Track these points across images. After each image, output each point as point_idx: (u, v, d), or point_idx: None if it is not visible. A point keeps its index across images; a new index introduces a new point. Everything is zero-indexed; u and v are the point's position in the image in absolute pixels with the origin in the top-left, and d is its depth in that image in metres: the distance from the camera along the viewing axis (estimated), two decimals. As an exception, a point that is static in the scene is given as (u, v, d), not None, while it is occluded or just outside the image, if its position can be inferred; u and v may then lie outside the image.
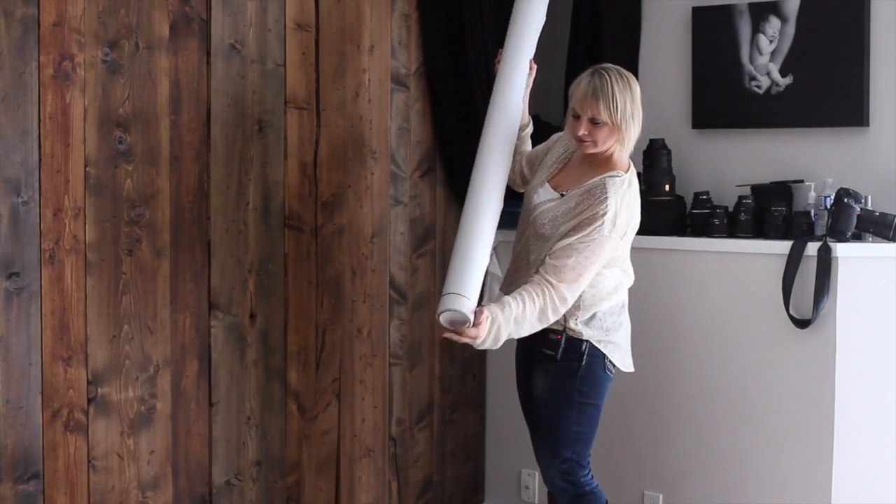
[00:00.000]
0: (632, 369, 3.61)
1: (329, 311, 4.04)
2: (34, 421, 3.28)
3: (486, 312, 3.26)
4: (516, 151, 3.70)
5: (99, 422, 3.44)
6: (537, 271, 3.39)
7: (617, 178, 3.41)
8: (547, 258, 3.38)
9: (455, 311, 3.24)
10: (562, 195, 3.49)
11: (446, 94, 4.37)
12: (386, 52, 4.18)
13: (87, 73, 3.35)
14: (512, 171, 3.68)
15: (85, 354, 3.39)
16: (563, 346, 3.47)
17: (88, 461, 3.42)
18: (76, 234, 3.35)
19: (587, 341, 3.48)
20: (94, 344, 3.41)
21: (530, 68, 3.69)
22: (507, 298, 3.33)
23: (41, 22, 3.24)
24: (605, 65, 3.47)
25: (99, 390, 3.43)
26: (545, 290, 3.33)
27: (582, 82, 3.43)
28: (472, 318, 3.23)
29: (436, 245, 4.41)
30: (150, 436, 3.56)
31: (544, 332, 3.45)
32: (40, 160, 3.27)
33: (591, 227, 3.36)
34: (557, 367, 3.50)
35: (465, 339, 3.27)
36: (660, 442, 4.23)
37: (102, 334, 3.43)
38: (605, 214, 3.36)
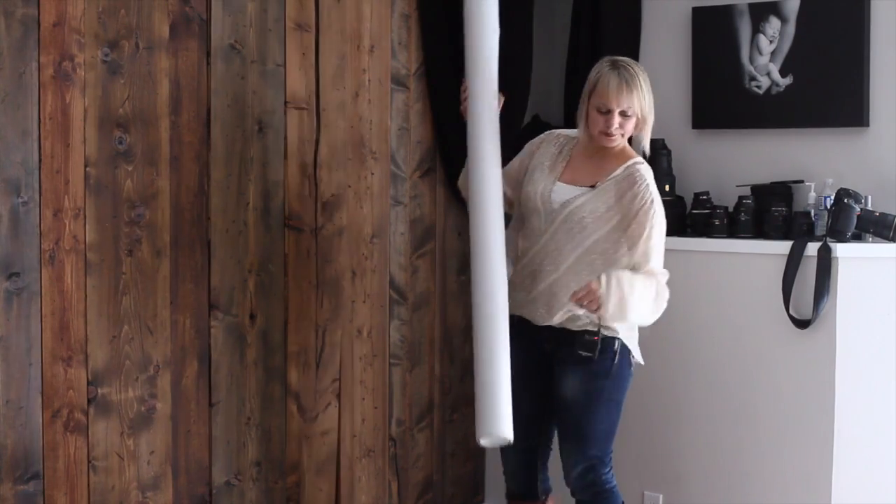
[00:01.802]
0: (642, 361, 3.64)
1: (329, 312, 4.04)
2: (34, 421, 3.28)
3: (602, 277, 3.36)
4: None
5: (99, 422, 3.44)
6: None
7: (643, 165, 3.52)
8: (629, 256, 3.45)
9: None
10: (592, 187, 3.50)
11: (446, 94, 4.37)
12: (386, 52, 4.18)
13: (87, 74, 3.35)
14: None
15: (85, 354, 3.39)
16: (599, 346, 3.49)
17: (88, 461, 3.42)
18: (76, 234, 3.35)
19: (619, 339, 3.52)
20: (94, 344, 3.41)
21: (499, 102, 3.56)
22: (617, 271, 3.41)
23: (41, 22, 3.24)
24: (618, 58, 3.51)
25: (99, 390, 3.43)
26: (650, 278, 3.44)
27: (609, 77, 3.45)
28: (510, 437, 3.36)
29: (436, 245, 4.41)
30: (150, 436, 3.56)
31: (579, 333, 3.50)
32: (40, 160, 3.26)
33: (651, 213, 3.45)
34: (593, 368, 3.51)
35: (591, 303, 3.36)
36: (660, 442, 4.23)
37: (102, 334, 3.43)
38: (653, 200, 3.46)
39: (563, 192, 3.53)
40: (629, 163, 3.51)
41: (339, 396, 4.10)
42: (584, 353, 3.50)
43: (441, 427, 4.50)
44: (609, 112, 3.45)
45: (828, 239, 3.84)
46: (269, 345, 3.87)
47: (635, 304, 3.41)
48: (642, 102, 3.46)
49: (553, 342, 3.57)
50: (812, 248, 3.85)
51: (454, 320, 4.50)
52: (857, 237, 3.88)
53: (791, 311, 3.89)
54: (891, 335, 3.88)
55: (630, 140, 3.57)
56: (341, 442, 4.12)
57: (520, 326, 3.58)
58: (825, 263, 3.80)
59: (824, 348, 3.85)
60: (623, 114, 3.45)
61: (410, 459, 4.38)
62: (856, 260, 3.83)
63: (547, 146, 3.65)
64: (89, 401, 3.41)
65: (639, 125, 3.50)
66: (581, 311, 3.46)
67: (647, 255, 3.45)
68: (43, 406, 3.30)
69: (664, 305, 3.49)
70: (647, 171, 3.51)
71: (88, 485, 3.42)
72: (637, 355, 3.59)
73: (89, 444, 3.41)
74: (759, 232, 4.07)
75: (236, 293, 3.77)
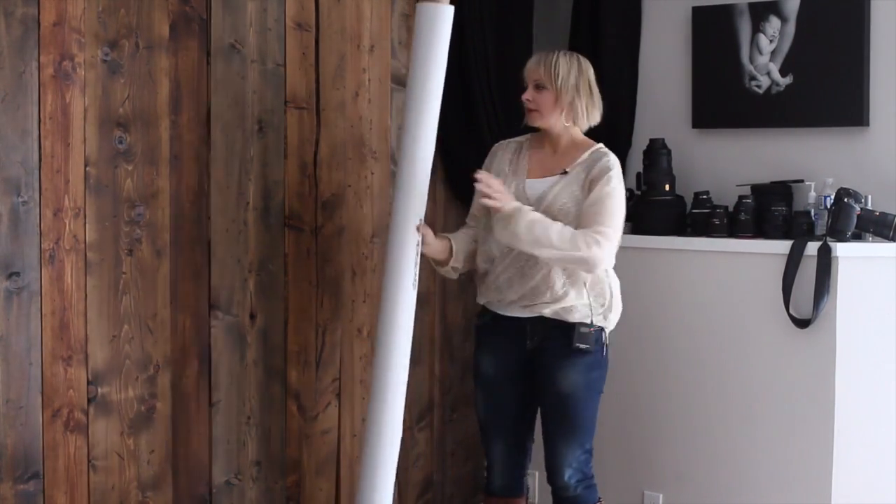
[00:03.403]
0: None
1: (329, 311, 4.04)
2: (34, 421, 3.28)
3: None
4: (463, 259, 3.72)
5: (99, 422, 3.44)
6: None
7: (610, 153, 3.59)
8: (582, 219, 3.48)
9: None
10: (564, 172, 3.57)
11: (446, 94, 4.36)
12: (386, 52, 4.18)
13: (87, 73, 3.35)
14: (460, 261, 3.72)
15: (85, 354, 3.39)
16: (594, 337, 3.56)
17: (88, 461, 3.42)
18: (76, 234, 3.35)
19: (604, 330, 3.60)
20: (94, 344, 3.41)
21: (419, 231, 3.58)
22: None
23: (41, 22, 3.24)
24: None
25: (99, 390, 3.43)
26: (576, 231, 3.46)
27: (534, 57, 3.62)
28: None
29: (436, 245, 4.40)
30: (150, 436, 3.56)
31: (578, 326, 3.53)
32: (40, 160, 3.26)
33: (605, 178, 3.50)
34: (590, 360, 3.58)
35: (492, 195, 3.43)
36: (660, 442, 4.23)
37: (102, 334, 3.43)
38: (611, 170, 3.52)
39: (538, 185, 3.60)
40: (593, 148, 3.60)
41: (339, 396, 4.10)
42: (583, 346, 3.55)
43: (441, 427, 4.50)
44: (527, 87, 3.59)
45: (828, 238, 3.85)
46: (269, 345, 3.87)
47: (540, 233, 3.41)
48: (553, 76, 3.54)
49: (542, 336, 3.60)
50: (812, 248, 3.85)
51: (454, 320, 4.50)
52: (857, 237, 3.88)
53: (791, 311, 3.89)
54: (891, 335, 3.88)
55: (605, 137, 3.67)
56: (341, 441, 4.13)
57: (505, 324, 3.65)
58: (825, 263, 3.80)
59: (824, 348, 3.85)
60: (536, 86, 3.57)
61: (410, 459, 4.38)
62: (856, 260, 3.83)
63: (502, 153, 3.72)
64: (89, 400, 3.41)
65: (557, 105, 3.56)
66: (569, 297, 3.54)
67: (595, 215, 3.46)
68: (43, 406, 3.30)
69: (583, 253, 3.42)
70: (614, 157, 3.58)
71: (88, 484, 3.42)
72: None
73: (89, 443, 3.41)
74: (759, 232, 4.07)
75: (236, 293, 3.77)
